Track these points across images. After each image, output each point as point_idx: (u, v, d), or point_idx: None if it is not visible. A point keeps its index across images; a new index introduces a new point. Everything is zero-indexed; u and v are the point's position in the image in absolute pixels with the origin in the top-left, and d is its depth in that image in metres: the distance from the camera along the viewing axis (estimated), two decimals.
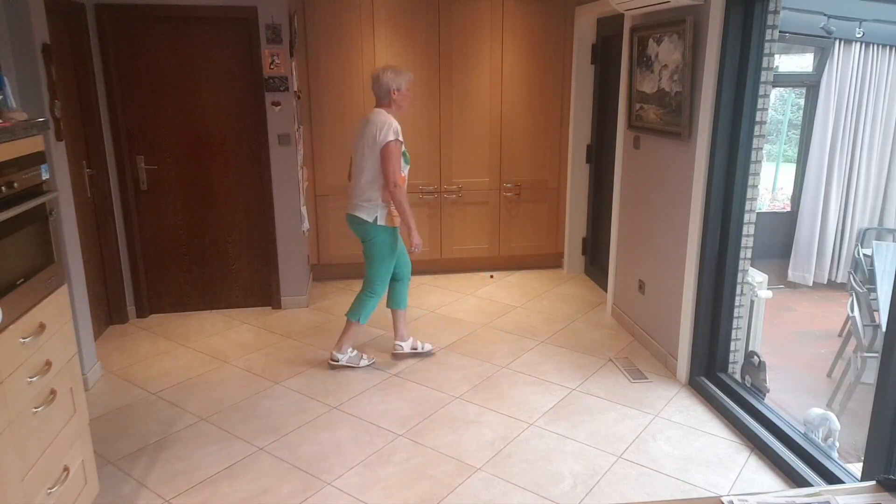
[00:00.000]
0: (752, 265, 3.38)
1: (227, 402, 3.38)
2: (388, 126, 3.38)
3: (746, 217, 3.25)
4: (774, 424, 2.95)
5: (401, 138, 3.41)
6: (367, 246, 3.59)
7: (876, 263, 4.32)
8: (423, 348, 3.89)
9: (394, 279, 3.75)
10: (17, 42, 3.07)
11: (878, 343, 3.69)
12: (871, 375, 3.65)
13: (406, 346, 3.86)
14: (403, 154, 3.48)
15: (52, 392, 2.18)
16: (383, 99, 3.49)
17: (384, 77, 3.45)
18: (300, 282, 4.69)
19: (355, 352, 3.77)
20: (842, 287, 5.82)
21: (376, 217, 3.50)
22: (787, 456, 2.77)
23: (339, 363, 3.71)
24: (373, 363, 3.78)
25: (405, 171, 3.53)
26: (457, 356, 3.91)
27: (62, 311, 2.31)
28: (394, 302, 3.81)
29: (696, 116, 3.34)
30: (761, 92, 3.11)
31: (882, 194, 5.93)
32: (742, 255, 3.31)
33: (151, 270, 4.51)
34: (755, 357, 3.29)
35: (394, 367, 3.75)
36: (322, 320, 4.49)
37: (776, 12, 3.03)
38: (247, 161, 4.45)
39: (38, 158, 2.22)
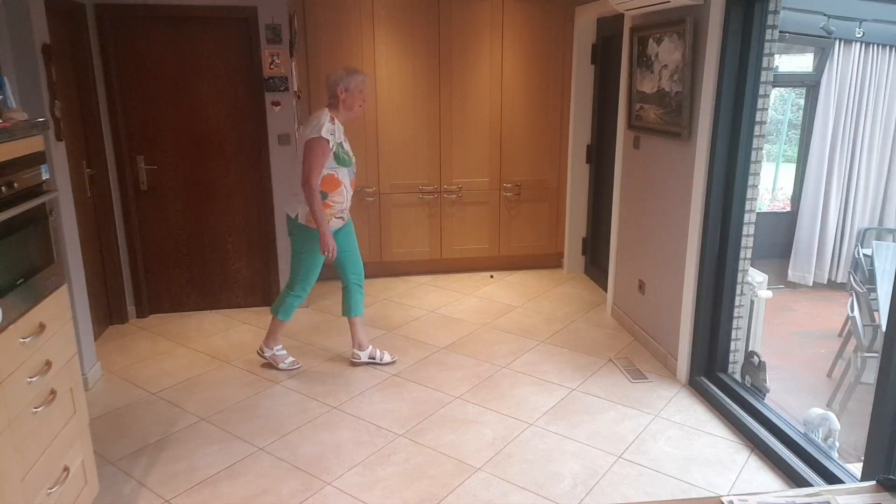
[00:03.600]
0: (752, 265, 3.39)
1: (227, 402, 3.38)
2: (316, 123, 3.28)
3: (746, 217, 3.25)
4: (774, 424, 2.95)
5: (326, 136, 3.26)
6: (291, 241, 3.57)
7: (876, 263, 4.32)
8: (381, 358, 3.79)
9: (343, 285, 3.72)
10: (17, 42, 3.07)
11: (878, 343, 3.69)
12: (871, 375, 3.65)
13: (364, 356, 3.77)
14: (338, 157, 3.36)
15: (52, 392, 2.18)
16: (331, 97, 3.38)
17: (333, 76, 3.37)
18: None
19: (283, 350, 3.78)
20: (842, 287, 5.82)
21: (297, 213, 3.44)
22: (787, 456, 2.77)
23: (265, 358, 3.74)
24: (297, 367, 3.73)
25: (339, 173, 3.39)
26: (457, 356, 3.91)
27: (62, 311, 2.31)
28: (345, 309, 3.74)
29: (696, 116, 3.34)
30: (761, 92, 3.11)
31: (882, 194, 5.93)
32: (742, 255, 3.31)
33: (151, 270, 4.51)
34: (755, 357, 3.29)
35: (394, 367, 3.75)
36: (322, 320, 4.49)
37: (776, 12, 3.03)
38: (247, 161, 4.45)
39: (38, 158, 2.21)
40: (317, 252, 3.46)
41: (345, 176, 3.44)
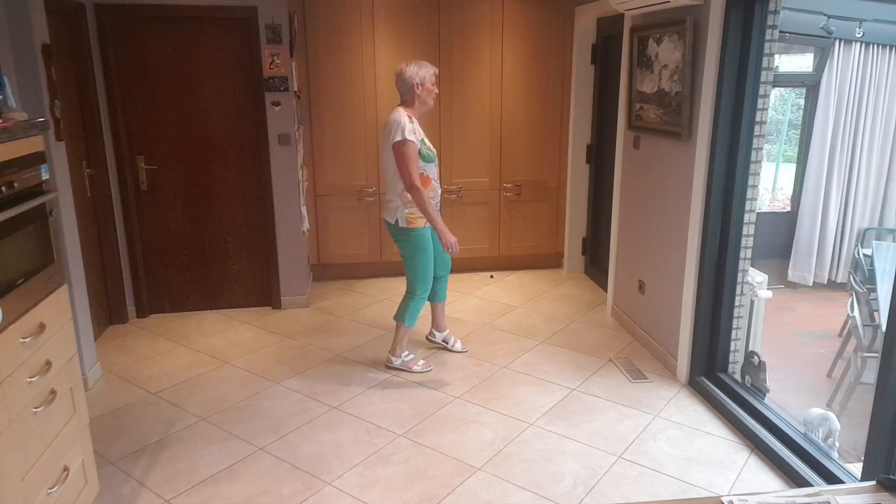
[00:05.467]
0: (752, 265, 3.39)
1: (227, 402, 3.38)
2: (398, 126, 3.30)
3: (746, 217, 3.25)
4: (774, 424, 2.95)
5: (410, 137, 3.29)
6: (399, 247, 3.56)
7: (876, 263, 4.33)
8: (454, 346, 3.97)
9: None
10: (17, 42, 3.07)
11: (878, 343, 3.69)
12: (871, 375, 3.65)
13: (439, 337, 3.97)
14: (423, 154, 3.38)
15: (52, 392, 2.18)
16: (406, 94, 3.42)
17: (407, 71, 3.37)
18: (300, 282, 4.69)
19: (411, 355, 3.75)
20: (842, 287, 5.83)
21: (397, 219, 3.44)
22: (787, 456, 2.77)
23: (394, 366, 3.71)
24: (429, 370, 3.71)
25: (428, 169, 3.42)
26: (457, 356, 3.91)
27: (62, 311, 2.31)
28: (431, 296, 3.84)
29: (696, 116, 3.34)
30: (761, 92, 3.11)
31: (882, 194, 5.94)
32: (742, 255, 3.31)
33: (151, 270, 4.51)
34: (755, 357, 3.29)
35: (394, 367, 3.75)
36: (322, 320, 4.49)
37: (776, 12, 3.03)
38: (247, 161, 4.45)
39: (38, 158, 2.22)
40: (427, 251, 3.50)
41: (433, 172, 3.49)
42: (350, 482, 2.72)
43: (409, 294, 3.60)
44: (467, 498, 2.62)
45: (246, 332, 4.30)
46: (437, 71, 3.47)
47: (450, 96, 5.09)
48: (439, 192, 3.57)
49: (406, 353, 3.74)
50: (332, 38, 4.84)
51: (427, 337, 4.03)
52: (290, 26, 4.30)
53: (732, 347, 3.45)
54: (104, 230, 4.22)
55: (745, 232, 3.27)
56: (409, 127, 3.31)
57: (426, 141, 3.45)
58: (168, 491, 2.67)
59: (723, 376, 3.42)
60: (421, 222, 3.46)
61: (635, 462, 2.86)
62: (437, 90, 3.47)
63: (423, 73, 3.38)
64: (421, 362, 3.74)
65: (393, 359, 3.71)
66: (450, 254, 3.47)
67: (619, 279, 4.46)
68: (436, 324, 3.98)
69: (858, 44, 5.54)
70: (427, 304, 3.75)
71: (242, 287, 4.67)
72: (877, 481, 1.35)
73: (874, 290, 4.16)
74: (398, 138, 3.28)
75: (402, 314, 3.61)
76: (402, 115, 3.35)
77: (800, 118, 6.47)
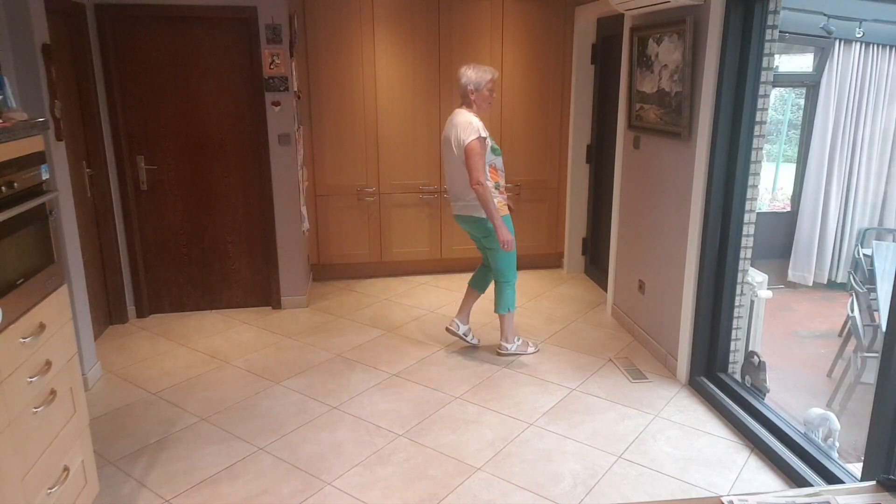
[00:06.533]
0: (752, 265, 3.39)
1: (227, 402, 3.38)
2: (469, 126, 3.44)
3: (746, 217, 3.25)
4: (774, 424, 2.95)
5: (483, 133, 3.45)
6: (486, 240, 3.70)
7: (876, 263, 4.33)
8: (471, 340, 3.98)
9: (484, 264, 3.94)
10: (17, 42, 3.07)
11: (878, 343, 3.69)
12: (871, 375, 3.65)
13: (462, 330, 3.94)
14: (493, 149, 3.54)
15: (52, 392, 2.18)
16: (464, 98, 3.58)
17: (464, 77, 3.53)
18: (300, 282, 4.69)
19: (521, 339, 3.93)
20: (842, 287, 5.83)
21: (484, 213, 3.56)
22: (787, 456, 2.77)
23: (509, 353, 3.86)
24: (537, 351, 3.93)
25: (497, 162, 3.59)
26: (457, 356, 3.91)
27: (62, 311, 2.31)
28: (475, 282, 3.96)
29: (696, 116, 3.34)
30: (761, 92, 3.11)
31: (882, 194, 5.94)
32: (742, 255, 3.31)
33: (151, 270, 4.51)
34: (755, 357, 3.29)
35: (394, 367, 3.75)
36: (322, 320, 4.49)
37: (776, 12, 3.03)
38: (247, 161, 4.45)
39: (38, 158, 2.22)
40: (513, 236, 3.65)
41: (501, 164, 3.66)
42: (350, 482, 2.72)
43: (501, 283, 3.77)
44: (467, 498, 2.62)
45: (246, 332, 4.30)
46: (494, 76, 3.57)
47: (450, 96, 5.08)
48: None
49: (517, 338, 3.90)
50: (332, 38, 4.83)
51: (448, 327, 3.94)
52: (290, 26, 4.30)
53: (732, 347, 3.45)
54: (104, 230, 4.22)
55: (745, 232, 3.27)
56: (481, 125, 3.47)
57: (490, 137, 3.59)
58: (168, 491, 2.67)
59: (723, 376, 3.42)
60: (505, 209, 3.64)
61: (635, 462, 2.86)
62: (493, 97, 3.59)
63: (477, 79, 3.51)
64: (531, 342, 3.95)
65: (508, 346, 3.86)
66: (506, 250, 3.59)
67: (619, 279, 4.46)
68: (463, 314, 3.93)
69: (858, 44, 5.55)
70: (475, 294, 3.96)
71: (242, 287, 4.67)
72: (877, 481, 1.35)
73: (874, 290, 4.16)
74: (473, 137, 3.42)
75: (503, 304, 3.78)
76: (468, 115, 3.52)
77: (800, 118, 6.47)
